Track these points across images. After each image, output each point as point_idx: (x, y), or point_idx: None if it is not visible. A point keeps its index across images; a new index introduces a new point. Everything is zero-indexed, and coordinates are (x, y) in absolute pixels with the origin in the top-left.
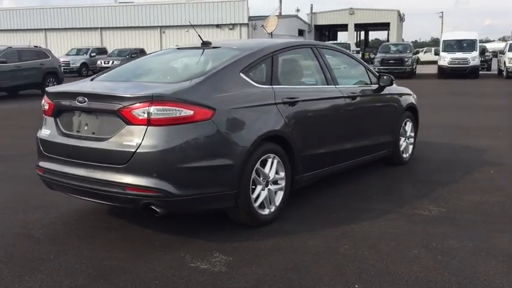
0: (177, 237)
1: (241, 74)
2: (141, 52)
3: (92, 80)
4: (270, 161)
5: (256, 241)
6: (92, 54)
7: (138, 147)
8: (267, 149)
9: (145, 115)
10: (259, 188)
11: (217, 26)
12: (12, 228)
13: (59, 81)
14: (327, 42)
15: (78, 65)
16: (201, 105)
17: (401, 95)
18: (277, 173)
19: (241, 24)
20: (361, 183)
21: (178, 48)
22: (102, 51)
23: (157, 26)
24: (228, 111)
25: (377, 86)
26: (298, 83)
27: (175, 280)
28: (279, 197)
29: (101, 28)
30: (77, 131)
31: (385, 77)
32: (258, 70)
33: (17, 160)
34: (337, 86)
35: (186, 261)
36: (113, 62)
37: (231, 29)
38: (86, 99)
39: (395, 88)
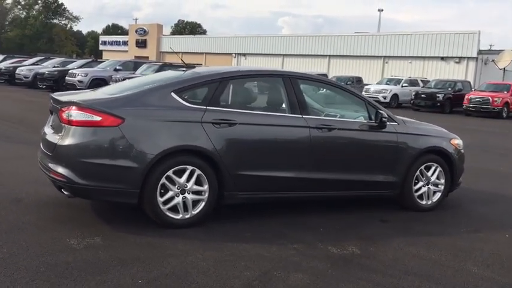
0: (96, 220)
1: (172, 93)
2: (357, 81)
3: (93, 90)
4: (188, 172)
5: (142, 236)
6: None
7: (58, 141)
8: (182, 160)
9: (67, 117)
10: (170, 193)
11: (442, 58)
12: (12, 192)
13: None
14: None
15: None
16: (109, 114)
17: (418, 135)
18: (199, 184)
19: (468, 58)
20: (335, 218)
21: (174, 70)
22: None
23: (381, 56)
24: (139, 122)
25: (373, 122)
26: (245, 108)
27: (37, 247)
28: (199, 207)
29: (329, 56)
30: (51, 126)
31: (380, 114)
32: (197, 92)
33: None
34: (303, 116)
35: (68, 237)
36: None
37: (457, 62)
38: (52, 102)
39: (412, 128)
